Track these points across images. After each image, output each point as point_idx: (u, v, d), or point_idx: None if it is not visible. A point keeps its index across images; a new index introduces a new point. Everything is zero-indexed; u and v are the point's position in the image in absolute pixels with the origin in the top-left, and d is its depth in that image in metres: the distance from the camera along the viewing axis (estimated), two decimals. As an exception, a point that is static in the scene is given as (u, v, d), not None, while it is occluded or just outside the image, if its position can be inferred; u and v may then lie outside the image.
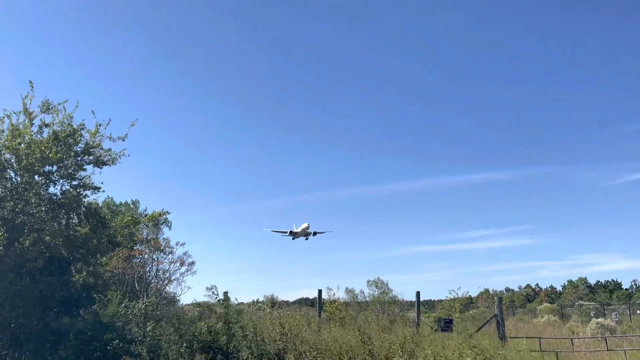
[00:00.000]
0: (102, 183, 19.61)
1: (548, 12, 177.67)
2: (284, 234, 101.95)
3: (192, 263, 35.49)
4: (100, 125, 19.32)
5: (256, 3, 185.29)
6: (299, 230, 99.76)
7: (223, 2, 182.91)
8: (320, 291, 21.61)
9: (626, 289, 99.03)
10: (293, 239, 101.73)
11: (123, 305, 18.70)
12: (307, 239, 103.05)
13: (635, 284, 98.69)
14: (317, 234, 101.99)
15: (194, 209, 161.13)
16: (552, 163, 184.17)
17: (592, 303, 69.18)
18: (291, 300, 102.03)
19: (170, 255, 35.78)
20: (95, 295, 18.26)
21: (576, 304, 71.39)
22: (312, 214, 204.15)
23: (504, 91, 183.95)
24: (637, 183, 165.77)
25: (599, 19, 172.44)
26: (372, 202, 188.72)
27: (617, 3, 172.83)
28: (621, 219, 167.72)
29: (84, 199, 19.50)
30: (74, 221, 19.64)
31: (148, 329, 16.57)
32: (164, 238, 36.42)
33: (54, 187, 19.12)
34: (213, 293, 16.68)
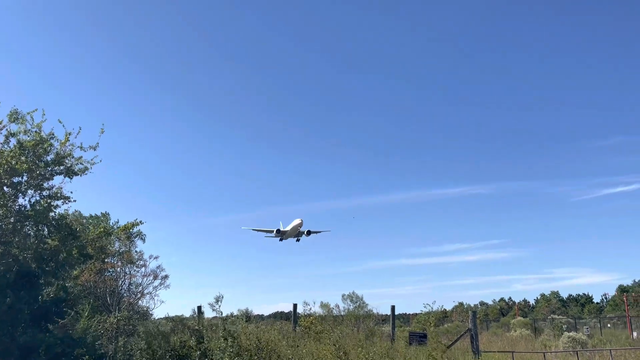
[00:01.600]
0: (71, 192, 19.22)
1: (517, 32, 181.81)
2: (268, 235, 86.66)
3: (166, 276, 34.90)
4: (70, 133, 18.98)
5: (224, 18, 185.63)
6: (288, 228, 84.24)
7: (192, 12, 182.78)
8: (295, 305, 21.52)
9: (597, 303, 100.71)
10: (280, 239, 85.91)
11: (94, 319, 18.30)
12: (298, 239, 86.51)
13: (605, 298, 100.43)
14: (312, 234, 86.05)
15: (168, 222, 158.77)
16: (526, 178, 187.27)
17: (564, 317, 70.04)
18: (266, 314, 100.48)
19: (143, 269, 35.16)
20: (65, 309, 17.85)
21: (549, 317, 72.23)
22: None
23: (480, 107, 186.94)
24: (607, 198, 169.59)
25: (568, 37, 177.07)
26: (347, 215, 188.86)
27: (583, 23, 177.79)
28: (592, 234, 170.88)
29: (54, 210, 19.08)
30: (43, 233, 19.18)
31: (120, 343, 16.24)
32: (136, 251, 35.82)
33: (23, 198, 18.69)
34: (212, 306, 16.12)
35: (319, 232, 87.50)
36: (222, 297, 15.99)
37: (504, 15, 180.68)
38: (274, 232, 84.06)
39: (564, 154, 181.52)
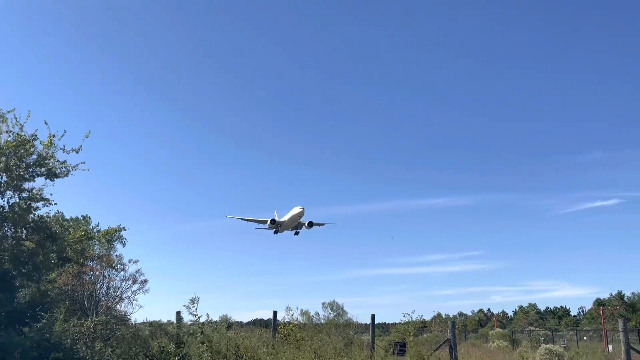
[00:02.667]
0: (51, 194, 18.98)
1: (502, 46, 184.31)
2: (260, 226, 74.59)
3: (145, 281, 34.63)
4: (54, 136, 18.76)
5: (211, 25, 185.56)
6: (285, 218, 72.01)
7: (180, 20, 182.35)
8: (275, 312, 21.44)
9: (574, 316, 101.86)
10: (275, 232, 73.65)
11: (71, 323, 18.02)
12: (297, 232, 74.72)
13: (582, 311, 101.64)
14: (314, 226, 74.20)
15: (150, 226, 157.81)
16: (508, 190, 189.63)
17: (541, 329, 70.69)
18: (245, 321, 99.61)
19: (122, 273, 34.84)
20: (41, 312, 17.55)
21: (526, 329, 72.87)
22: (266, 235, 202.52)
23: (462, 120, 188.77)
24: (587, 212, 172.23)
25: (552, 51, 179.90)
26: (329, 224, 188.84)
27: (566, 35, 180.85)
28: (571, 247, 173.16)
29: (34, 212, 18.81)
30: (21, 235, 18.90)
31: (97, 348, 16.04)
32: (116, 255, 35.49)
33: (2, 198, 18.41)
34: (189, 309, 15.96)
35: (323, 224, 75.58)
36: (198, 299, 15.84)
37: (487, 27, 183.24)
38: (268, 222, 72.41)
39: (546, 167, 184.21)
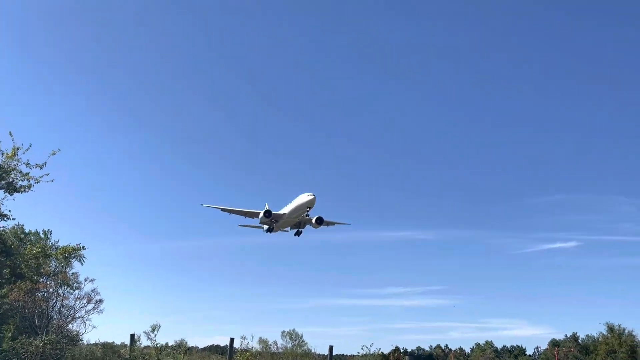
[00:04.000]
0: (9, 211, 18.58)
1: (473, 92, 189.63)
2: (247, 223, 57.96)
3: (100, 301, 33.68)
4: (18, 148, 18.46)
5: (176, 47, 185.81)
6: (285, 210, 54.23)
7: (152, 38, 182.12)
8: (232, 340, 21.18)
9: (530, 356, 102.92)
10: (269, 230, 55.96)
11: (19, 342, 17.47)
12: (299, 232, 56.65)
13: (537, 351, 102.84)
14: (324, 224, 57.15)
15: (111, 244, 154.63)
16: (470, 227, 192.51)
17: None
18: (201, 346, 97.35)
19: (77, 291, 33.84)
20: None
21: (483, 367, 73.26)
22: (232, 256, 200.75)
23: (432, 155, 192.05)
24: (546, 253, 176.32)
25: (515, 96, 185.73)
26: (291, 250, 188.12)
27: (533, 83, 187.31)
28: (529, 287, 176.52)
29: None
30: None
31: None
32: (72, 272, 34.53)
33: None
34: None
35: (334, 223, 58.94)
36: (159, 327, 15.55)
37: (462, 62, 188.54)
38: (261, 214, 54.68)
39: (509, 207, 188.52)
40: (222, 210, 54.75)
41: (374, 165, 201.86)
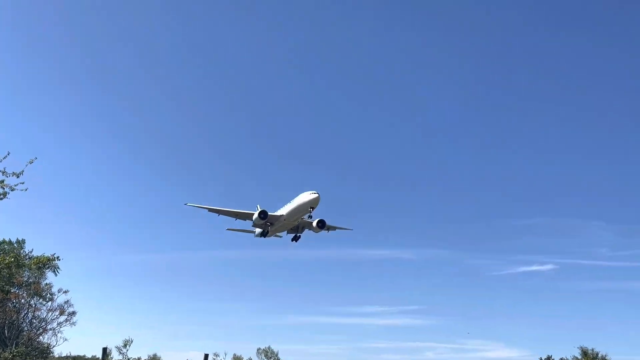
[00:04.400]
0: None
1: (453, 119, 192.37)
2: (237, 227, 52.19)
3: (73, 313, 33.44)
4: (-6, 156, 18.29)
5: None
6: (283, 212, 48.54)
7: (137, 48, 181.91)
8: (206, 355, 21.10)
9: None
10: (264, 234, 49.26)
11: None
12: (297, 237, 51.35)
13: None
14: (325, 230, 51.01)
15: (87, 255, 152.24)
16: (449, 247, 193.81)
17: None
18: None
19: (50, 303, 33.45)
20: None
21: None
22: (208, 270, 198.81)
23: (412, 175, 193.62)
24: (522, 275, 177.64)
25: (496, 122, 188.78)
26: (269, 266, 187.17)
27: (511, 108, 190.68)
28: (505, 309, 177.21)
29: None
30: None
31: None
32: (46, 283, 34.13)
33: None
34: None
35: (336, 228, 53.12)
36: (132, 341, 15.41)
37: (441, 82, 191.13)
38: (255, 216, 48.35)
39: (487, 228, 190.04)
40: (210, 210, 49.01)
41: (352, 185, 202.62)
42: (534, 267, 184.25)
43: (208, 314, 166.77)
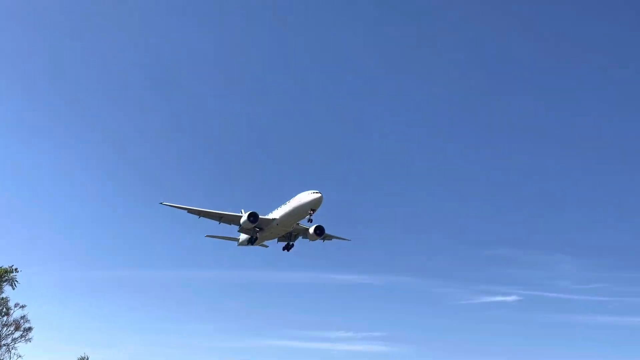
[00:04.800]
0: None
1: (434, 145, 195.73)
2: (220, 235, 45.18)
3: (29, 329, 32.51)
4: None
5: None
6: (276, 215, 42.19)
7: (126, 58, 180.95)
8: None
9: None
10: (252, 240, 43.09)
11: None
12: (290, 245, 45.14)
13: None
14: (321, 239, 45.41)
15: (48, 269, 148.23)
16: (415, 275, 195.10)
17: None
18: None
19: (5, 317, 32.51)
20: None
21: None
22: (170, 289, 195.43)
23: (379, 200, 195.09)
24: (486, 306, 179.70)
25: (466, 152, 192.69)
26: (239, 288, 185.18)
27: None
28: (469, 338, 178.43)
29: None
30: None
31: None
32: (2, 297, 33.23)
33: None
34: None
35: (336, 237, 48.21)
36: (88, 359, 15.18)
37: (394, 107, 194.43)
38: (243, 219, 41.91)
39: (455, 257, 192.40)
40: (190, 211, 43.04)
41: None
42: (498, 298, 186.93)
43: (168, 334, 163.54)
